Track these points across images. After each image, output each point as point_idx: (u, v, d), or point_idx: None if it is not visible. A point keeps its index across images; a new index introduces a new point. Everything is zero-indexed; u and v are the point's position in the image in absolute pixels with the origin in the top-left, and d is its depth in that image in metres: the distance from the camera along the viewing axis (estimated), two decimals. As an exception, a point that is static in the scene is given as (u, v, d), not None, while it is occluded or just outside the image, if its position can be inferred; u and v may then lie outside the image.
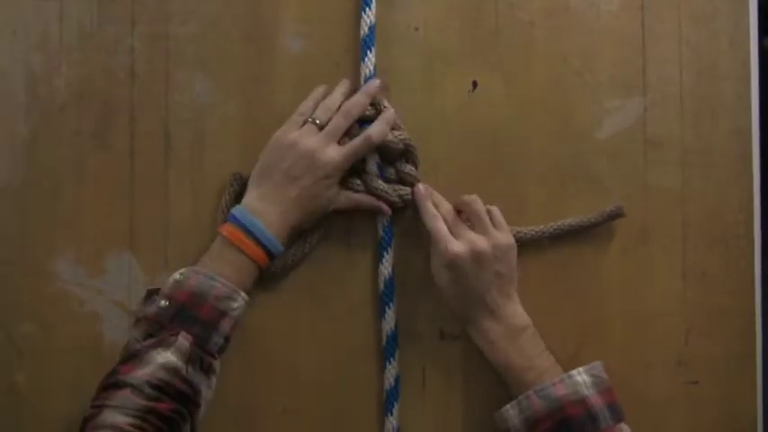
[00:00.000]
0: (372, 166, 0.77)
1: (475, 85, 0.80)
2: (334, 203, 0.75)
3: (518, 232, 0.77)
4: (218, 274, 0.69)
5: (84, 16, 0.80)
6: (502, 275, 0.72)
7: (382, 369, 0.77)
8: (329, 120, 0.75)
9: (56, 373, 0.78)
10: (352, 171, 0.76)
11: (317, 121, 0.74)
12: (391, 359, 0.77)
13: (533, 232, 0.78)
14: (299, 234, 0.77)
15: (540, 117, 0.80)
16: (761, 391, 0.80)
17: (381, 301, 0.78)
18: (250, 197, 0.74)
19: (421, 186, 0.76)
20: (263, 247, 0.72)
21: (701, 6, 0.81)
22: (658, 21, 0.81)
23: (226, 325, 0.69)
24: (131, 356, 0.66)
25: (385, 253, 0.78)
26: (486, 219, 0.74)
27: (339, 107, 0.75)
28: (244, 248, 0.71)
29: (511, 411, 0.69)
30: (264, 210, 0.73)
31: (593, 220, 0.78)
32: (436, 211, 0.75)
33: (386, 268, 0.78)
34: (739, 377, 0.80)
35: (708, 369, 0.79)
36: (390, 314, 0.77)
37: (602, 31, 0.81)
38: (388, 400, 0.77)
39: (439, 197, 0.76)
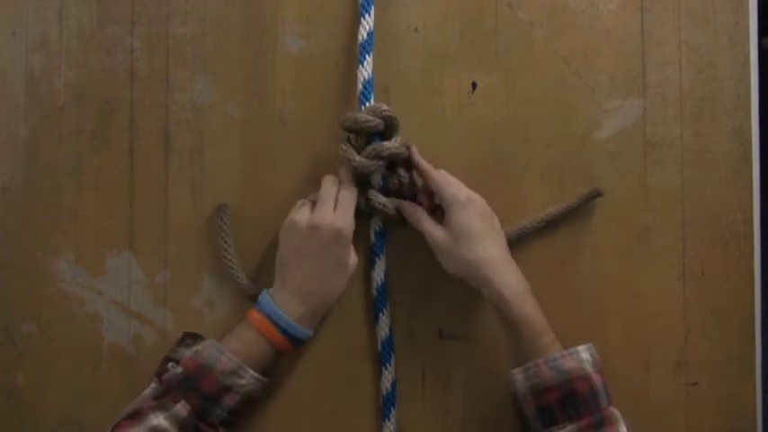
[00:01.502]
0: (377, 178, 0.76)
1: (474, 86, 0.80)
2: (353, 261, 0.75)
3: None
4: (231, 350, 0.70)
5: (84, 16, 0.80)
6: None
7: (380, 373, 0.77)
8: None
9: (56, 373, 0.78)
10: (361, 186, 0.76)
11: (310, 198, 0.74)
12: (387, 365, 0.77)
13: (518, 230, 0.78)
14: None
15: (540, 117, 0.80)
16: (761, 391, 0.80)
17: (375, 307, 0.78)
18: (275, 287, 0.74)
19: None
20: (285, 333, 0.72)
21: (701, 6, 0.81)
22: (658, 21, 0.81)
23: (229, 400, 0.69)
24: (135, 413, 0.68)
25: (377, 259, 0.78)
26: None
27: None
28: (265, 333, 0.72)
29: (518, 376, 0.69)
30: (287, 298, 0.73)
31: (572, 205, 0.78)
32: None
33: (378, 274, 0.77)
34: (739, 377, 0.80)
35: (707, 369, 0.79)
36: (384, 320, 0.77)
37: (601, 31, 0.81)
38: (385, 405, 0.77)
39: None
